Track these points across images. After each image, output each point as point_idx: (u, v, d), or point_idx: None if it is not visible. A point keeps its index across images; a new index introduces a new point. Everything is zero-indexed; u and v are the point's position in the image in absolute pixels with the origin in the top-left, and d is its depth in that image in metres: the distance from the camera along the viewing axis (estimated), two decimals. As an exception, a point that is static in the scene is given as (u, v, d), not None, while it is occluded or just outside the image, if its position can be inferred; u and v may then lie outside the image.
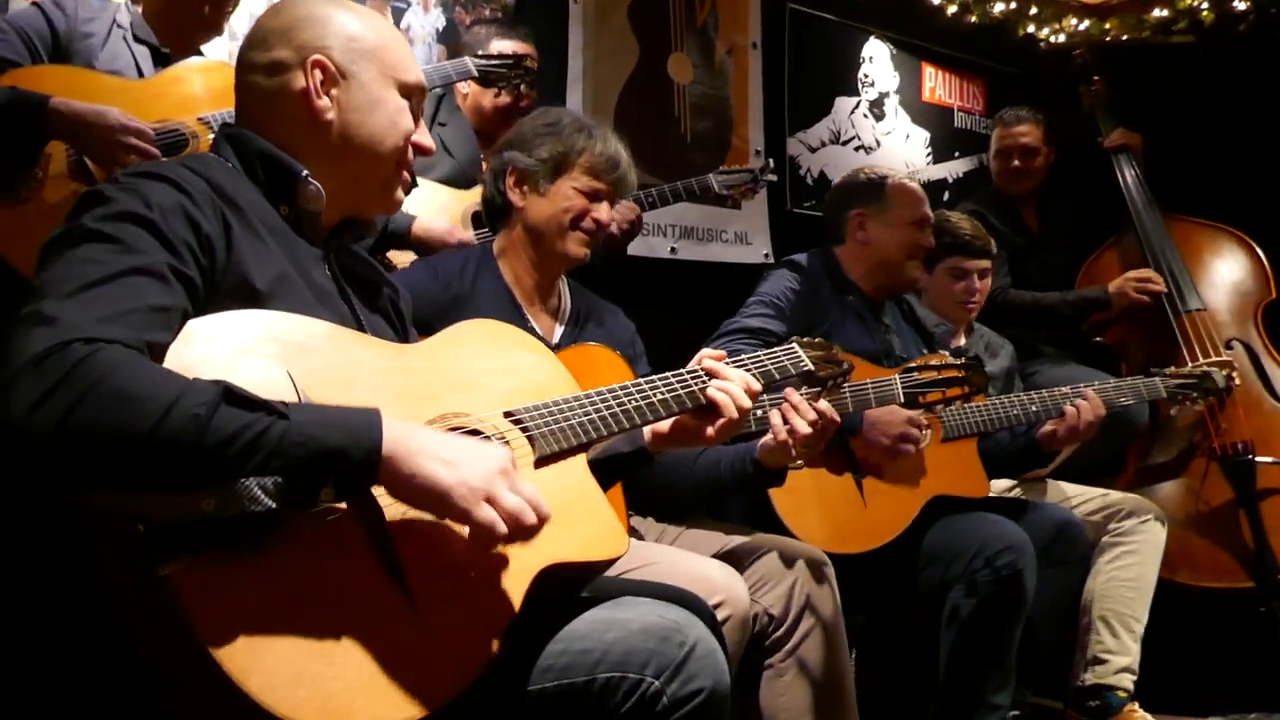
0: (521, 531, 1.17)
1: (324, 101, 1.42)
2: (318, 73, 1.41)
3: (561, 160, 2.16)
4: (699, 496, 2.30)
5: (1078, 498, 3.15)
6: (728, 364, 1.68)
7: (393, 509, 1.19)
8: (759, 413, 2.14)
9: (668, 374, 1.62)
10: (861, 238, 2.87)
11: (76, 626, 1.12)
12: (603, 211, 2.19)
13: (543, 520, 1.19)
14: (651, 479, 2.11)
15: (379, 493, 1.18)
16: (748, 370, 1.71)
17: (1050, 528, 2.65)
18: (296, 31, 1.42)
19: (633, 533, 2.23)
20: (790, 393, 1.99)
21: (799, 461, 2.12)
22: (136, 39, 2.44)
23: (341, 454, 1.09)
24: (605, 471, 1.63)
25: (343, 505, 1.15)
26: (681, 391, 1.60)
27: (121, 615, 1.08)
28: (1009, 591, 2.38)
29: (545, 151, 2.17)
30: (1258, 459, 3.38)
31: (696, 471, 2.19)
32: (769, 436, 2.04)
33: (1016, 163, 4.05)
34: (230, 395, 1.06)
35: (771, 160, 3.30)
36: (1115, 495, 3.14)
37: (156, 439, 1.01)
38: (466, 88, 3.11)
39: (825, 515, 2.41)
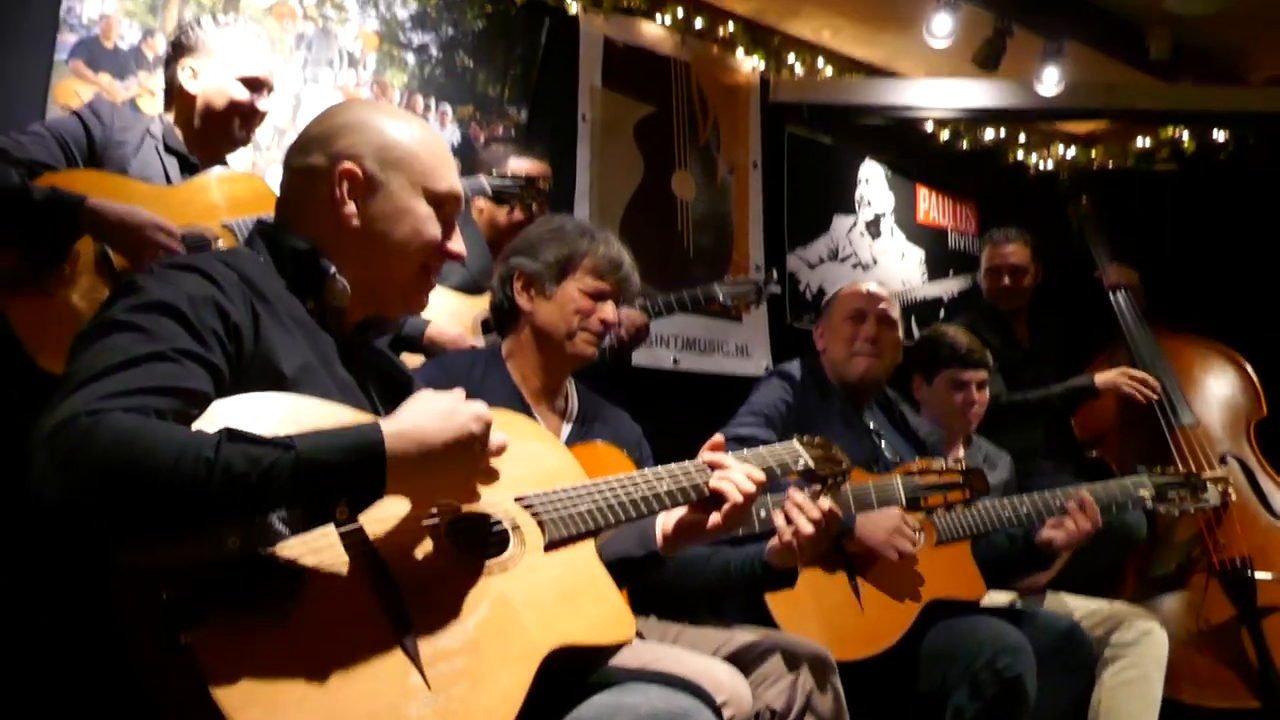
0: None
1: (350, 208, 1.47)
2: (345, 181, 1.46)
3: (566, 263, 2.23)
4: (710, 597, 2.32)
5: (1078, 610, 3.14)
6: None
7: (408, 581, 1.22)
8: (763, 513, 2.17)
9: (671, 465, 1.66)
10: (821, 347, 3.03)
11: (100, 689, 1.14)
12: (608, 311, 2.25)
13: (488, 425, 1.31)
14: (662, 579, 2.14)
15: (388, 553, 1.22)
16: (748, 462, 1.75)
17: (1054, 635, 2.64)
18: (333, 139, 1.49)
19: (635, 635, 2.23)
20: (794, 492, 2.03)
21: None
22: (167, 148, 2.54)
23: (348, 470, 1.15)
24: (617, 573, 1.63)
25: (361, 585, 1.18)
26: (686, 483, 1.64)
27: (143, 680, 1.10)
28: (1011, 693, 2.35)
29: (550, 255, 2.23)
30: (1257, 575, 3.39)
31: (708, 572, 2.21)
32: (776, 538, 2.07)
33: (1006, 280, 4.15)
34: (233, 435, 1.11)
35: (775, 271, 3.39)
36: (1116, 606, 3.13)
37: (173, 490, 1.06)
38: (482, 202, 3.22)
39: (822, 621, 2.40)
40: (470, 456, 1.27)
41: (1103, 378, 3.80)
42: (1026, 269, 4.17)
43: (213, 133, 2.57)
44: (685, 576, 2.20)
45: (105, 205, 2.19)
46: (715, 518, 1.67)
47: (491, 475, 1.32)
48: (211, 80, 2.53)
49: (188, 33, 2.57)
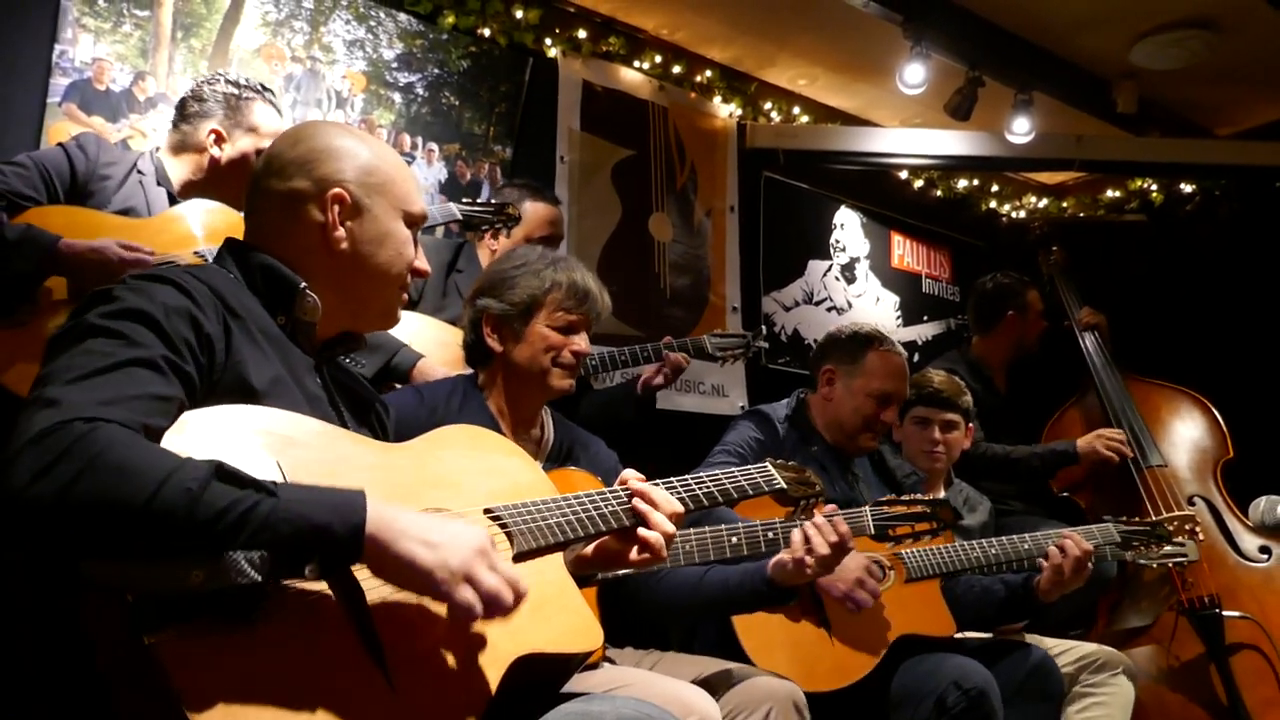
0: (499, 610, 1.21)
1: (340, 233, 1.50)
2: (336, 207, 1.50)
3: (532, 303, 2.22)
4: (706, 612, 2.33)
5: (1051, 650, 3.15)
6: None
7: (374, 590, 1.23)
8: (770, 535, 2.20)
9: None
10: (827, 393, 2.98)
11: (62, 691, 1.14)
12: (580, 343, 2.25)
13: (519, 598, 1.22)
14: (652, 599, 2.19)
15: (363, 576, 1.21)
16: (707, 487, 1.74)
17: (1025, 664, 2.66)
18: (316, 164, 1.51)
19: (609, 662, 2.23)
20: (817, 518, 2.10)
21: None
22: (156, 184, 2.56)
23: (326, 531, 1.13)
24: None
25: (324, 586, 1.19)
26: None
27: (107, 682, 1.10)
28: (977, 707, 2.37)
29: (516, 295, 2.22)
30: (1224, 613, 3.42)
31: (704, 589, 2.23)
32: (784, 554, 2.12)
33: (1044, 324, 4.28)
34: (222, 472, 1.11)
35: (763, 328, 3.42)
36: (1087, 647, 3.15)
37: (150, 511, 1.05)
38: (495, 244, 3.22)
39: (793, 653, 2.41)
40: (433, 593, 1.20)
41: (1083, 444, 3.85)
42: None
43: (216, 194, 2.58)
44: (678, 595, 2.23)
45: (74, 246, 2.20)
46: (639, 555, 1.59)
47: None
48: (236, 151, 2.58)
49: (216, 91, 2.60)
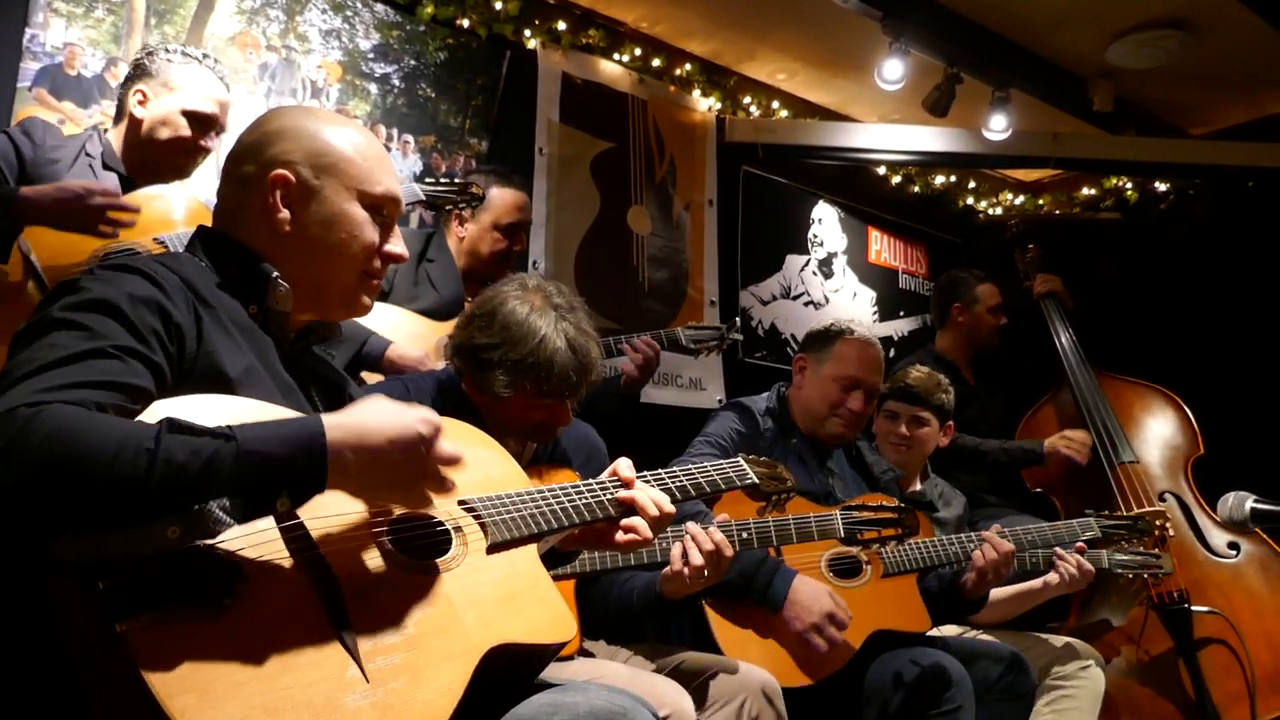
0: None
1: (284, 214, 1.47)
2: (278, 188, 1.47)
3: (506, 396, 2.09)
4: (619, 619, 2.33)
5: (1021, 642, 3.18)
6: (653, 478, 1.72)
7: (349, 578, 1.23)
8: (663, 544, 2.20)
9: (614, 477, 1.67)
10: (799, 382, 3.01)
11: (34, 679, 1.13)
12: (564, 415, 2.15)
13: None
14: (606, 599, 2.21)
15: (329, 550, 1.22)
16: (679, 481, 1.75)
17: (998, 662, 2.68)
18: (265, 146, 1.50)
19: (584, 654, 2.24)
20: (690, 525, 2.09)
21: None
22: (105, 166, 2.54)
23: (289, 462, 1.14)
24: None
25: (301, 580, 1.19)
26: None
27: (78, 669, 1.09)
28: (952, 704, 2.39)
29: (492, 385, 2.09)
30: (1193, 608, 3.46)
31: (619, 596, 2.26)
32: (669, 568, 2.11)
33: (1003, 320, 4.33)
34: (174, 425, 1.11)
35: (738, 320, 3.43)
36: (1058, 640, 3.18)
37: (112, 480, 1.05)
38: (463, 230, 3.19)
39: (767, 649, 2.42)
40: (415, 458, 1.24)
41: (1048, 445, 3.89)
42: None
43: (151, 161, 2.56)
44: (607, 598, 2.26)
45: (37, 190, 2.20)
46: (622, 537, 1.62)
47: (440, 482, 1.28)
48: (159, 109, 2.55)
49: (151, 57, 2.58)
